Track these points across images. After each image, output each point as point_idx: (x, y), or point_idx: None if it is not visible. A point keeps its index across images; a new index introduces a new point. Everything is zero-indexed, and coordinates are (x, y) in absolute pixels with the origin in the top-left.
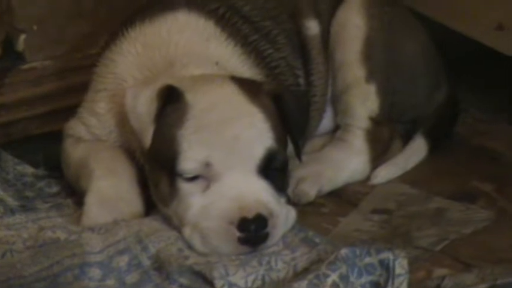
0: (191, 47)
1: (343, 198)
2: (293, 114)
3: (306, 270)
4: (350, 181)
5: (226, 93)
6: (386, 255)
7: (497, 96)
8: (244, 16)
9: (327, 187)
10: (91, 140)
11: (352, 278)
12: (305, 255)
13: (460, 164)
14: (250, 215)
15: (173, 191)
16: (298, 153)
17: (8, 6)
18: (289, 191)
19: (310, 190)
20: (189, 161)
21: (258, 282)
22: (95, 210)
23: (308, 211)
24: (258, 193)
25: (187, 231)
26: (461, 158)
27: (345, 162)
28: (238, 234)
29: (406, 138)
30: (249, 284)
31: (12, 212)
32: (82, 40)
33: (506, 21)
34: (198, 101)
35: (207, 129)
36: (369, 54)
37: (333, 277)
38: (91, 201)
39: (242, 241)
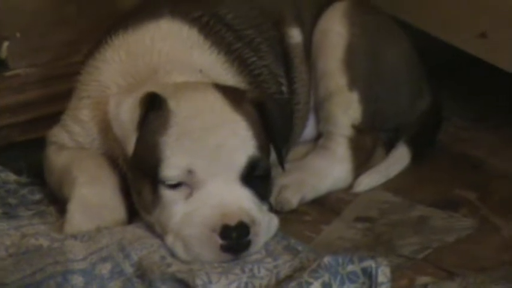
0: (174, 54)
1: (326, 206)
2: (276, 122)
3: (288, 278)
4: (333, 189)
5: (209, 101)
6: (369, 263)
7: (479, 104)
8: (228, 24)
9: (310, 195)
10: (74, 147)
11: (334, 286)
12: (288, 262)
13: (442, 172)
14: (232, 222)
15: (156, 198)
16: (281, 162)
17: None
18: (272, 198)
19: (292, 198)
20: (171, 168)
21: None
22: (77, 217)
23: (291, 219)
24: (241, 201)
25: (169, 238)
26: (444, 166)
27: (327, 170)
28: (220, 241)
29: (389, 146)
30: None
31: None
32: (65, 48)
33: (489, 29)
34: (181, 108)
35: (189, 137)
36: (350, 62)
37: (316, 285)
38: (74, 208)
39: (224, 248)
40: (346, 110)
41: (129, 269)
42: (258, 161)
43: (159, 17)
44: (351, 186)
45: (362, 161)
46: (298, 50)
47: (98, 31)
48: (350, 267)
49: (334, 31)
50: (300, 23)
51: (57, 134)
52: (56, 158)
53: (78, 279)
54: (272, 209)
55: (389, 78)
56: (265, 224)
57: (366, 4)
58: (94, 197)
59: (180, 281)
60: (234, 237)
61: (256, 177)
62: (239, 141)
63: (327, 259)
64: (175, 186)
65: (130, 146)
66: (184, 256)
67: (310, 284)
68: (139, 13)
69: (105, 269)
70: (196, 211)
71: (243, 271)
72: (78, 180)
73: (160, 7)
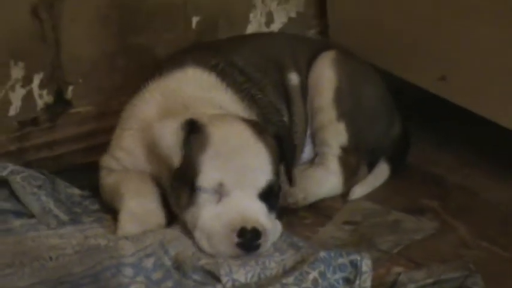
0: (198, 94)
1: (321, 212)
2: (289, 151)
3: (292, 269)
4: (328, 195)
5: (238, 128)
6: (355, 256)
7: (440, 131)
8: (240, 69)
9: (311, 198)
10: (120, 169)
11: (328, 275)
12: (292, 256)
13: (412, 185)
14: (249, 226)
15: (191, 201)
16: (291, 180)
17: (59, 64)
18: (282, 200)
19: (298, 193)
20: (207, 180)
21: (255, 278)
22: (127, 224)
23: (294, 222)
24: (257, 213)
25: (197, 234)
26: (413, 181)
27: (323, 179)
28: (236, 240)
29: (371, 165)
30: (248, 280)
31: (63, 224)
32: (116, 90)
33: (448, 73)
34: (216, 133)
35: (222, 156)
36: (338, 101)
37: (314, 274)
38: (123, 217)
39: (239, 246)
40: (336, 137)
41: (168, 262)
42: (274, 183)
43: (184, 66)
44: (342, 195)
45: (349, 175)
46: (296, 90)
47: (141, 77)
48: (340, 260)
49: (326, 76)
50: (297, 68)
51: (106, 161)
52: (107, 180)
53: (128, 271)
54: (278, 214)
55: (369, 113)
56: (272, 231)
57: (350, 54)
58: (139, 207)
59: (208, 272)
60: (248, 238)
61: (270, 196)
62: (260, 164)
63: (322, 253)
64: (208, 192)
65: (175, 162)
66: (207, 248)
67: (309, 273)
68: (169, 63)
69: (149, 262)
70: (222, 214)
71: (257, 263)
72: (126, 196)
73: (185, 58)
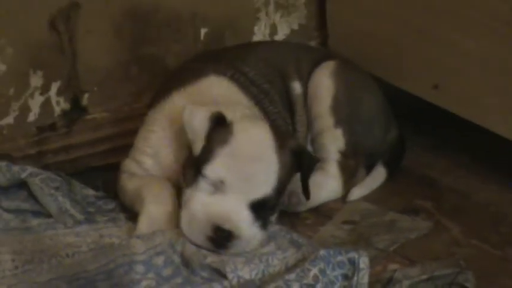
0: (227, 94)
1: (322, 212)
2: (307, 168)
3: (294, 266)
4: (328, 198)
5: (261, 137)
6: (353, 254)
7: (434, 136)
8: (251, 80)
9: (312, 203)
10: (142, 174)
11: (328, 271)
12: (293, 254)
13: (407, 187)
14: (226, 226)
15: (193, 182)
16: (306, 192)
17: (75, 73)
18: (284, 204)
19: (300, 203)
20: (212, 171)
21: (259, 275)
22: (145, 227)
23: (296, 223)
24: (240, 219)
25: (184, 213)
26: (408, 183)
27: (324, 183)
28: (210, 233)
29: (369, 168)
30: (253, 276)
31: (79, 223)
32: (129, 97)
33: (440, 82)
34: (239, 134)
35: (235, 158)
36: (335, 108)
37: (314, 271)
38: (142, 220)
39: (209, 239)
40: (334, 142)
41: (177, 260)
42: (269, 199)
43: (207, 75)
44: (342, 197)
45: (348, 178)
46: (299, 99)
47: (153, 84)
48: (339, 258)
49: (324, 85)
50: (300, 76)
51: (128, 165)
52: (129, 184)
53: (140, 268)
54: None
55: (366, 119)
56: (249, 240)
57: (349, 63)
58: (158, 212)
59: (214, 269)
60: (219, 236)
61: (261, 208)
62: (265, 179)
63: (322, 252)
64: (209, 182)
65: (198, 148)
66: (185, 230)
67: (310, 270)
68: (190, 74)
69: (160, 260)
70: (210, 205)
71: (261, 261)
72: (146, 200)
73: (206, 68)
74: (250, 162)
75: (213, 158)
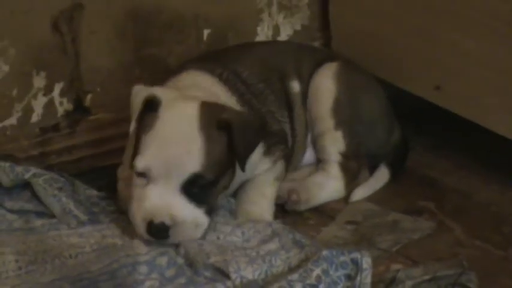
0: (203, 85)
1: (325, 213)
2: (240, 140)
3: (297, 266)
4: (330, 199)
5: (185, 116)
6: (356, 255)
7: (436, 137)
8: (243, 80)
9: (313, 201)
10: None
11: (331, 272)
12: (297, 255)
13: (410, 188)
14: (156, 220)
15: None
16: (241, 165)
17: (78, 74)
18: (283, 190)
19: (301, 192)
20: (139, 162)
21: (262, 276)
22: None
23: (299, 222)
24: (172, 206)
25: (131, 205)
26: (411, 183)
27: (325, 184)
28: (145, 228)
29: (372, 169)
30: (256, 277)
31: (82, 224)
32: None
33: (442, 82)
34: (163, 116)
35: (158, 143)
36: (336, 110)
37: (317, 271)
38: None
39: (148, 233)
40: (334, 144)
41: (180, 260)
42: (199, 177)
43: (189, 69)
44: (344, 198)
45: (350, 179)
46: (297, 98)
47: (156, 85)
48: (342, 258)
49: (325, 87)
50: (299, 76)
51: (122, 172)
52: (125, 191)
53: (143, 268)
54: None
55: (368, 121)
56: (190, 224)
57: (352, 64)
58: None
59: (218, 269)
60: (153, 231)
61: (195, 188)
62: (188, 158)
63: (325, 252)
64: (140, 174)
65: (131, 127)
66: (132, 220)
67: (313, 270)
68: (177, 69)
69: (163, 260)
70: (143, 199)
71: (264, 261)
72: None
73: (192, 65)
74: (172, 144)
75: (141, 147)
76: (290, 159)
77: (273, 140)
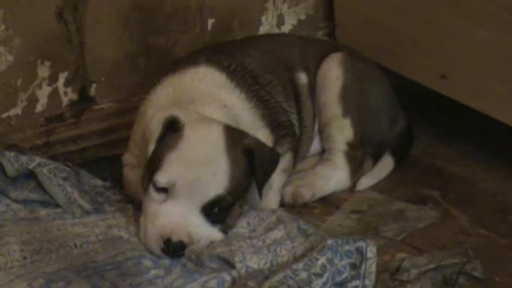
0: (207, 91)
1: (330, 202)
2: (261, 167)
3: (302, 256)
4: (335, 189)
5: (211, 139)
6: (361, 243)
7: (441, 125)
8: (250, 71)
9: (319, 194)
10: (141, 165)
11: (336, 261)
12: (302, 244)
13: (414, 176)
14: (175, 239)
15: (147, 189)
16: (260, 191)
17: (83, 63)
18: (289, 195)
19: (306, 194)
20: (163, 176)
21: (268, 265)
22: None
23: (304, 212)
24: (191, 226)
25: (142, 220)
26: (416, 172)
27: (331, 175)
28: (162, 245)
29: (376, 158)
30: (261, 266)
31: (87, 213)
32: (136, 88)
33: (447, 71)
34: (189, 137)
35: (185, 161)
36: (344, 98)
37: (322, 260)
38: None
39: (163, 250)
40: (342, 132)
41: (184, 260)
42: (222, 199)
43: (198, 64)
44: (350, 188)
45: (356, 169)
46: (304, 89)
47: (160, 75)
48: (347, 247)
49: (333, 75)
50: (305, 67)
51: (127, 158)
52: (130, 176)
53: (148, 262)
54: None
55: (374, 110)
56: (205, 241)
57: (356, 54)
58: None
59: (223, 259)
60: (171, 249)
61: (216, 210)
62: (213, 181)
63: (329, 241)
64: (159, 190)
65: (149, 150)
66: (141, 237)
67: (318, 259)
68: (184, 62)
69: (167, 260)
70: (161, 216)
71: (269, 251)
72: None
73: (199, 57)
74: (198, 164)
75: (164, 162)
76: (298, 151)
77: (281, 132)
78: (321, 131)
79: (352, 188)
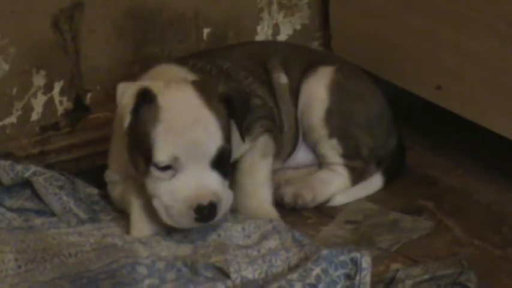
0: (170, 74)
1: (324, 212)
2: (239, 111)
3: (297, 266)
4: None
5: (187, 98)
6: (355, 254)
7: (435, 136)
8: (223, 70)
9: (320, 197)
10: (122, 181)
11: (330, 271)
12: (296, 255)
13: (409, 187)
14: (205, 202)
15: (148, 172)
16: (242, 135)
17: (78, 72)
18: (289, 195)
19: (307, 195)
20: (162, 155)
21: (262, 275)
22: (138, 224)
23: (298, 222)
24: (211, 184)
25: (156, 203)
26: (410, 183)
27: (332, 180)
28: (195, 215)
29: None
30: (256, 276)
31: (82, 222)
32: None
33: (443, 82)
34: (166, 106)
35: (174, 131)
36: (328, 120)
37: (317, 270)
38: (134, 219)
39: (197, 220)
40: (331, 150)
41: (179, 264)
42: (224, 150)
43: (161, 63)
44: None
45: (356, 177)
46: (285, 89)
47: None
48: (341, 257)
49: (318, 96)
50: (287, 72)
51: (108, 176)
52: (114, 193)
53: (143, 270)
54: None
55: (366, 124)
56: (226, 198)
57: (348, 67)
58: (145, 207)
59: (218, 269)
60: (205, 214)
61: (222, 162)
62: (209, 135)
63: (324, 251)
64: (163, 168)
65: (126, 123)
66: (165, 219)
67: (312, 269)
68: (151, 65)
69: (161, 264)
70: (179, 189)
71: (264, 261)
72: (132, 200)
73: (164, 61)
74: (188, 128)
75: (155, 141)
76: (277, 135)
77: (252, 117)
78: (312, 149)
79: (325, 202)
